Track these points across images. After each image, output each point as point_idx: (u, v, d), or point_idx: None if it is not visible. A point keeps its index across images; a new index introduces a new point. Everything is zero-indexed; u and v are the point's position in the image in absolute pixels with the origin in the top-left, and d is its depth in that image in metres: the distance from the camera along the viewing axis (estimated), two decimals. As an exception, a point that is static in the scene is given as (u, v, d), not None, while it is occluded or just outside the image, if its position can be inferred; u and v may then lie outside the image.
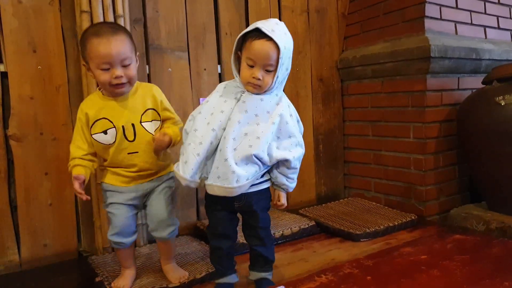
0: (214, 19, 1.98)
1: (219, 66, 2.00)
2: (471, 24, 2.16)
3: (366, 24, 2.28)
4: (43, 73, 1.60)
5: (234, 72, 1.23)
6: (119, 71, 1.19)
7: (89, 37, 1.19)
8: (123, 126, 1.25)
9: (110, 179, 1.32)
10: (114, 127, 1.25)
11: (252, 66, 1.17)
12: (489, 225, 1.79)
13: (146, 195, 1.35)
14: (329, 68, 2.37)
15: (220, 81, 2.01)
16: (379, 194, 2.24)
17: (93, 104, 1.28)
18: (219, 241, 1.28)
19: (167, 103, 1.35)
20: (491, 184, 1.89)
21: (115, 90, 1.24)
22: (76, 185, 1.22)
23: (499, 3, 2.30)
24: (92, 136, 1.26)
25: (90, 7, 1.55)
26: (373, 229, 1.77)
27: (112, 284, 1.33)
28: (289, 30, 1.22)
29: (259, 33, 1.14)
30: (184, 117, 1.88)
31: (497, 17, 2.28)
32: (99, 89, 1.30)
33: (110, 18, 1.57)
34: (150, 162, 1.31)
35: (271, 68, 1.17)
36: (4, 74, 1.54)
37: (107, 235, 1.34)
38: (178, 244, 1.66)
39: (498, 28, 2.29)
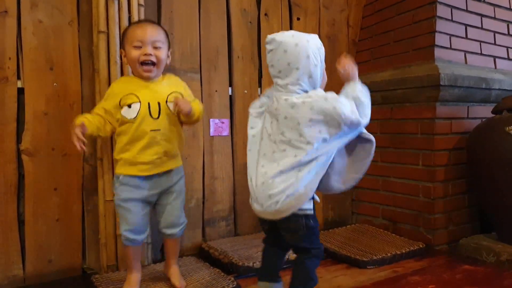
0: (227, 43, 2.02)
1: (230, 88, 2.03)
2: (481, 54, 2.18)
3: (376, 51, 2.31)
4: (58, 90, 1.63)
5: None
6: (149, 50, 1.32)
7: (130, 26, 1.42)
8: (149, 103, 1.32)
9: (128, 170, 1.34)
10: (140, 102, 1.32)
11: None
12: (500, 257, 1.75)
13: (162, 193, 1.40)
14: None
15: (231, 103, 2.04)
16: (387, 221, 2.22)
17: (123, 82, 1.41)
18: None
19: (189, 92, 1.47)
20: (501, 214, 1.86)
21: (143, 71, 1.34)
22: (77, 129, 1.23)
23: (509, 34, 2.32)
24: (121, 109, 1.33)
25: (107, 28, 1.59)
26: (380, 257, 1.74)
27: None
28: (300, 55, 1.24)
29: None
30: (193, 137, 1.91)
31: (507, 48, 2.30)
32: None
33: (126, 39, 1.61)
34: (171, 142, 1.36)
35: None
36: (21, 90, 1.57)
37: (119, 230, 1.38)
38: (183, 265, 1.65)
39: (508, 59, 2.30)
